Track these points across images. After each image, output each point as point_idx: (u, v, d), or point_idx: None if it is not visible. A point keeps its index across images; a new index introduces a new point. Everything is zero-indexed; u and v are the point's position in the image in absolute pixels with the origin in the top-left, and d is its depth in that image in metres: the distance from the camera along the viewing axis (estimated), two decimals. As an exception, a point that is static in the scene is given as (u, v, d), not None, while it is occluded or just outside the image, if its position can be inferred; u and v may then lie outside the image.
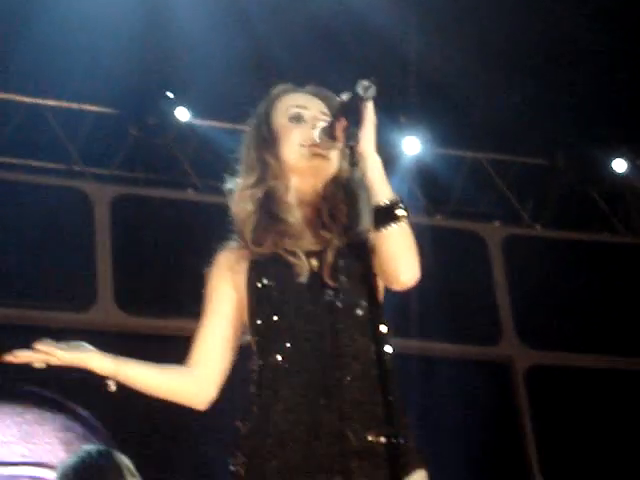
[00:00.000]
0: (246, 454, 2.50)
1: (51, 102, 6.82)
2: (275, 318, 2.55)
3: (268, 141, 2.67)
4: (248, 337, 2.63)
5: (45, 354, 2.51)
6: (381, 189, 2.49)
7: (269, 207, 2.63)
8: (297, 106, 2.68)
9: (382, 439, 2.44)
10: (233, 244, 2.69)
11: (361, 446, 2.45)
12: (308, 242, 2.61)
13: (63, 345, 2.54)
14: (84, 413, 5.99)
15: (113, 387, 2.56)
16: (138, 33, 6.28)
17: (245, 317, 2.62)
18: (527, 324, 7.12)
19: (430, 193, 7.41)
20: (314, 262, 2.58)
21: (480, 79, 6.60)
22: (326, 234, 2.60)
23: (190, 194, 6.92)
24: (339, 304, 2.51)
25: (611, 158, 7.57)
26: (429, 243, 6.27)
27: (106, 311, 6.36)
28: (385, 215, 2.48)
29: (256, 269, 2.59)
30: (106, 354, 2.59)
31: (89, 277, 6.40)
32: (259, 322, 2.57)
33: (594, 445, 6.86)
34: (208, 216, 6.67)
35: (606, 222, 7.71)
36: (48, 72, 6.40)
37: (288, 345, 2.52)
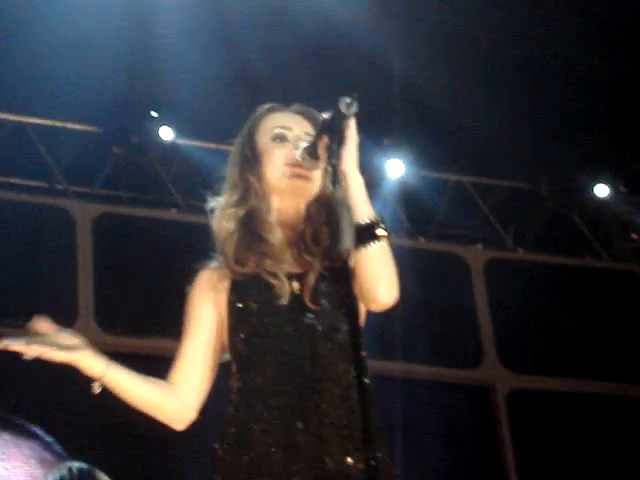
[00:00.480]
0: (223, 476, 2.48)
1: (34, 120, 6.80)
2: (255, 340, 2.54)
3: (251, 161, 2.67)
4: (227, 356, 2.62)
5: (38, 351, 2.48)
6: (362, 208, 2.50)
7: (251, 226, 2.63)
8: (281, 126, 2.68)
9: (360, 464, 2.42)
10: (214, 264, 2.68)
11: (339, 470, 2.44)
12: (290, 264, 2.60)
13: (59, 335, 2.52)
14: (49, 439, 5.94)
15: (97, 389, 2.54)
16: (123, 52, 6.27)
17: (225, 337, 2.61)
18: (509, 348, 7.12)
19: (413, 215, 7.42)
20: (295, 284, 2.57)
21: (465, 102, 6.62)
22: (308, 257, 2.59)
23: (173, 213, 6.90)
24: (319, 327, 2.51)
25: (593, 183, 7.59)
26: (412, 265, 6.28)
27: (87, 329, 6.31)
28: (365, 234, 2.48)
29: (237, 289, 2.59)
30: (98, 354, 2.56)
31: (70, 296, 6.37)
32: (239, 343, 2.56)
33: (574, 469, 6.85)
34: (191, 236, 6.65)
35: (588, 247, 7.73)
36: (32, 90, 6.39)
37: (267, 367, 2.51)
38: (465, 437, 6.74)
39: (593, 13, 6.49)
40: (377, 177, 7.16)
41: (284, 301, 2.55)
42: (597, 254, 7.72)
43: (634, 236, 7.84)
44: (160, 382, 2.63)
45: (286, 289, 2.55)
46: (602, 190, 7.61)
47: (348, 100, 2.44)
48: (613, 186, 7.63)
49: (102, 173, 6.91)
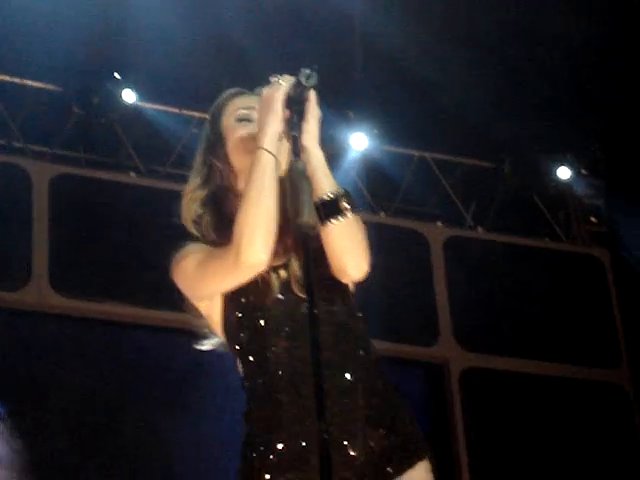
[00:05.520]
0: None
1: (-7, 75, 6.67)
2: (256, 338, 2.49)
3: (214, 143, 2.64)
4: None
5: None
6: (324, 183, 2.46)
7: (219, 206, 2.60)
8: (244, 107, 2.65)
9: (380, 440, 2.45)
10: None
11: (360, 453, 2.43)
12: (273, 256, 2.50)
13: None
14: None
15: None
16: (89, 8, 6.16)
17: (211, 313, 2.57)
18: (464, 326, 7.13)
19: (375, 190, 7.39)
20: (283, 274, 2.53)
21: (433, 79, 6.58)
22: (288, 240, 2.53)
23: (132, 177, 6.81)
24: (316, 313, 2.42)
25: (556, 165, 7.61)
26: (371, 240, 6.24)
27: (40, 291, 6.25)
28: (329, 209, 2.45)
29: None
30: None
31: (24, 256, 6.28)
32: (239, 344, 2.52)
33: (523, 448, 6.89)
34: (149, 200, 6.60)
35: (548, 228, 7.74)
36: (-8, 45, 6.27)
37: (272, 365, 2.47)
38: (417, 414, 6.73)
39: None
40: (340, 150, 7.12)
41: (276, 294, 2.50)
42: (557, 236, 7.73)
43: (594, 219, 7.87)
44: None
45: (275, 281, 2.50)
46: (564, 172, 7.63)
47: (308, 71, 2.40)
48: (575, 169, 7.65)
49: (62, 133, 6.80)
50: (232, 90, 2.73)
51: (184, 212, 2.64)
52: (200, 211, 2.61)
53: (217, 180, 2.62)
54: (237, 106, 2.66)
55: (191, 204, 2.62)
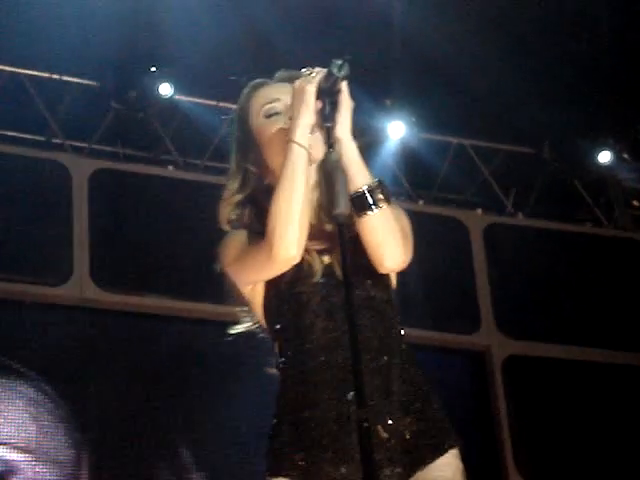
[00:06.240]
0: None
1: (32, 72, 6.70)
2: (296, 320, 2.51)
3: (246, 146, 2.63)
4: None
5: None
6: (358, 175, 2.46)
7: (258, 205, 2.60)
8: (269, 101, 2.63)
9: (410, 426, 2.46)
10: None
11: (392, 435, 2.44)
12: (315, 239, 2.54)
13: None
14: (47, 387, 5.93)
15: None
16: (125, 6, 6.18)
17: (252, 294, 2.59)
18: (506, 314, 7.09)
19: (413, 178, 7.36)
20: (326, 258, 2.54)
21: (469, 65, 6.54)
22: (329, 226, 2.54)
23: (170, 171, 6.83)
24: (356, 299, 2.43)
25: (597, 150, 7.53)
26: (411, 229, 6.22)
27: (81, 286, 6.28)
28: (363, 201, 2.45)
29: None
30: None
31: (65, 251, 6.32)
32: (279, 325, 2.54)
33: (569, 436, 6.85)
34: (187, 193, 6.62)
35: (589, 213, 7.68)
36: (30, 42, 6.29)
37: (313, 348, 2.48)
38: (460, 403, 6.70)
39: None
40: (378, 138, 7.09)
41: (318, 277, 2.52)
42: (598, 221, 7.67)
43: (636, 203, 7.79)
44: None
45: (318, 265, 2.52)
46: (605, 156, 7.55)
47: (339, 62, 2.39)
48: (616, 152, 7.57)
49: (99, 128, 6.83)
50: (251, 84, 2.70)
51: (222, 216, 2.64)
52: (239, 211, 2.62)
53: (254, 182, 2.62)
54: (262, 102, 2.64)
55: (230, 208, 2.63)
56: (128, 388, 6.09)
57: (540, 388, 6.98)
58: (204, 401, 6.15)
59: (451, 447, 2.52)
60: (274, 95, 2.63)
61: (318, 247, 2.54)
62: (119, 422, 6.01)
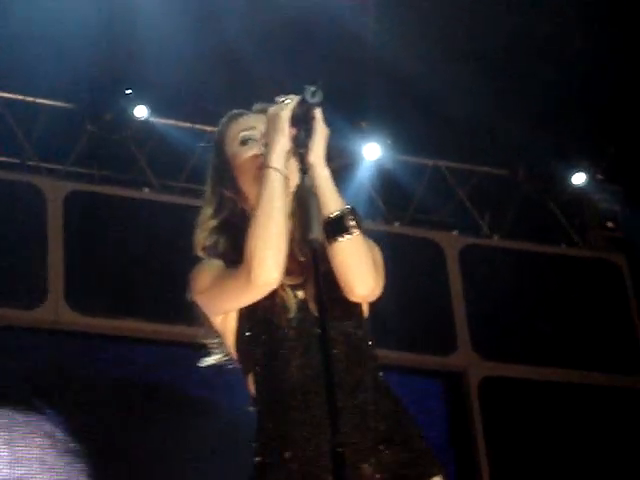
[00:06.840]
0: None
1: (5, 95, 6.68)
2: (270, 356, 2.49)
3: (222, 172, 2.64)
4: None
5: None
6: (330, 201, 2.46)
7: (233, 231, 2.59)
8: (245, 129, 2.65)
9: (393, 458, 2.45)
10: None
11: (375, 470, 2.43)
12: (289, 276, 2.52)
13: None
14: (60, 418, 5.91)
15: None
16: (99, 26, 6.17)
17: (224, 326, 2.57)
18: (482, 335, 7.09)
19: (389, 200, 7.37)
20: (300, 294, 2.53)
21: (445, 87, 6.57)
22: (302, 258, 2.52)
23: (146, 193, 6.81)
24: (331, 334, 2.40)
25: (571, 171, 7.57)
26: (386, 250, 6.22)
27: (56, 309, 6.25)
28: (335, 227, 2.44)
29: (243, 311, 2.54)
30: None
31: (40, 274, 6.28)
32: (252, 360, 2.52)
33: (544, 456, 6.85)
34: (163, 216, 6.60)
35: (564, 234, 7.71)
36: (4, 64, 6.27)
37: (286, 385, 2.46)
38: (436, 424, 6.71)
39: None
40: (354, 160, 7.10)
41: (292, 313, 2.51)
42: (573, 242, 7.70)
43: (610, 224, 7.83)
44: None
45: (291, 300, 2.51)
46: (579, 178, 7.59)
47: (313, 89, 2.40)
48: (590, 174, 7.61)
49: (75, 150, 6.81)
50: (229, 114, 2.73)
51: (197, 242, 2.64)
52: (214, 238, 2.62)
53: (229, 207, 2.62)
54: (238, 129, 2.66)
55: (205, 234, 2.63)
56: (104, 411, 6.05)
57: (516, 409, 6.98)
58: (181, 423, 6.12)
59: (435, 475, 2.51)
60: (251, 123, 2.65)
61: (291, 282, 2.53)
62: (92, 445, 5.97)
